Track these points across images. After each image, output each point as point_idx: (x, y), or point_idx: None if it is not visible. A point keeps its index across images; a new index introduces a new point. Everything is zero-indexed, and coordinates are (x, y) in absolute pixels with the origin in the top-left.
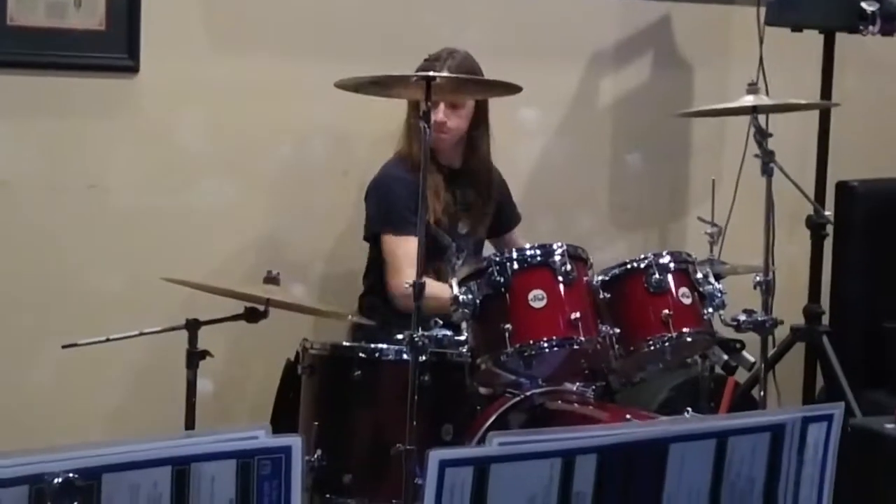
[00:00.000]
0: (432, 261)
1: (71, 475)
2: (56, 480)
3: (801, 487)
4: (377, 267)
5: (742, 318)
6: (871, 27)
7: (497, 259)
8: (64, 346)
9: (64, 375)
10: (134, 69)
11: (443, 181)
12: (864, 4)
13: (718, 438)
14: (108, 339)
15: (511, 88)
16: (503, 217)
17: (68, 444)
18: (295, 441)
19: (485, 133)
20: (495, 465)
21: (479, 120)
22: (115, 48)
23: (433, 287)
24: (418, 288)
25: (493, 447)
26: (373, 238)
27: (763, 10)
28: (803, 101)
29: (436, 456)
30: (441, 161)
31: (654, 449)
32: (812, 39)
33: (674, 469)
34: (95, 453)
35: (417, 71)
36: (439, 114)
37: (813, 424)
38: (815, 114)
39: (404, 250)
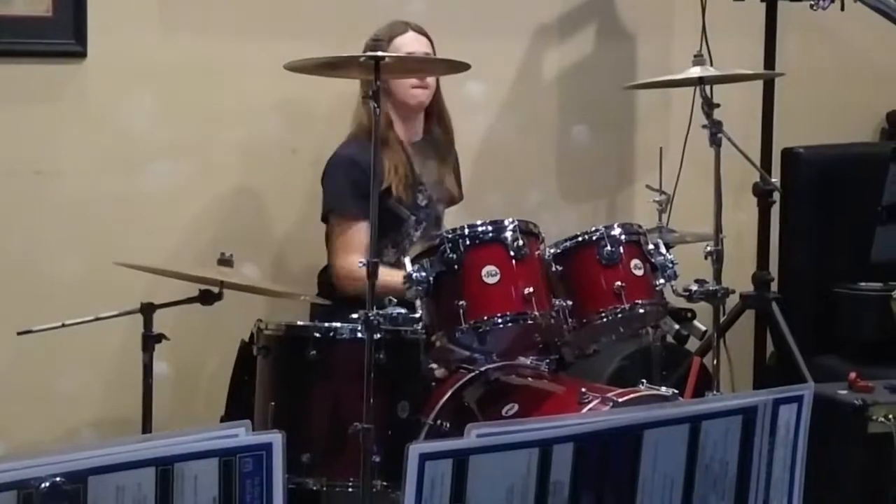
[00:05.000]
0: (389, 233)
1: (58, 479)
2: (43, 485)
3: (774, 468)
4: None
5: (694, 288)
6: (821, 2)
7: (449, 236)
8: (19, 333)
9: (19, 362)
10: (82, 54)
11: (403, 155)
12: None
13: (691, 423)
14: (63, 325)
15: (459, 66)
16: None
17: (54, 447)
18: (276, 438)
19: (442, 98)
20: (474, 457)
21: (438, 91)
22: (62, 34)
23: (383, 273)
24: (372, 266)
25: (472, 439)
26: (324, 219)
27: None
28: (749, 71)
29: (416, 449)
30: (401, 136)
31: (628, 436)
32: (754, 7)
33: (648, 455)
34: (81, 456)
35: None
36: None
37: (784, 406)
38: (759, 81)
39: (349, 235)
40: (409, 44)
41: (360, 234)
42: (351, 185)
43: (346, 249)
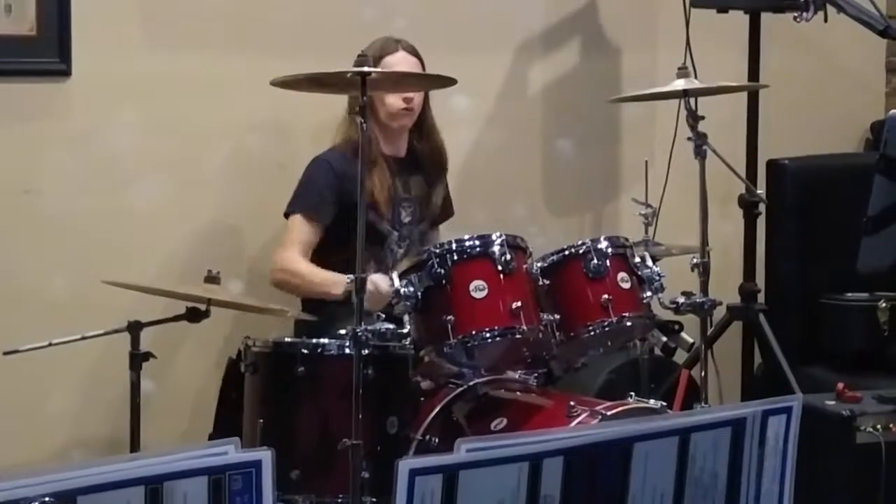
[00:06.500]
0: (370, 248)
1: (47, 499)
2: None
3: (763, 479)
4: (315, 254)
5: (681, 300)
6: (804, 14)
7: (437, 251)
8: (5, 353)
9: (6, 382)
10: (66, 72)
11: (386, 171)
12: None
13: (681, 435)
14: (50, 344)
15: (445, 81)
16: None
17: (43, 467)
18: (265, 455)
19: (431, 116)
20: (464, 472)
21: (426, 104)
22: (46, 52)
23: (314, 272)
24: (359, 282)
25: (462, 454)
26: (286, 216)
27: None
28: (733, 83)
29: (405, 465)
30: (385, 152)
31: (618, 449)
32: (737, 19)
33: (638, 468)
34: (70, 476)
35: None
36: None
37: (773, 417)
38: (744, 93)
39: (291, 229)
40: (398, 63)
41: (299, 230)
42: (314, 189)
43: (283, 243)
